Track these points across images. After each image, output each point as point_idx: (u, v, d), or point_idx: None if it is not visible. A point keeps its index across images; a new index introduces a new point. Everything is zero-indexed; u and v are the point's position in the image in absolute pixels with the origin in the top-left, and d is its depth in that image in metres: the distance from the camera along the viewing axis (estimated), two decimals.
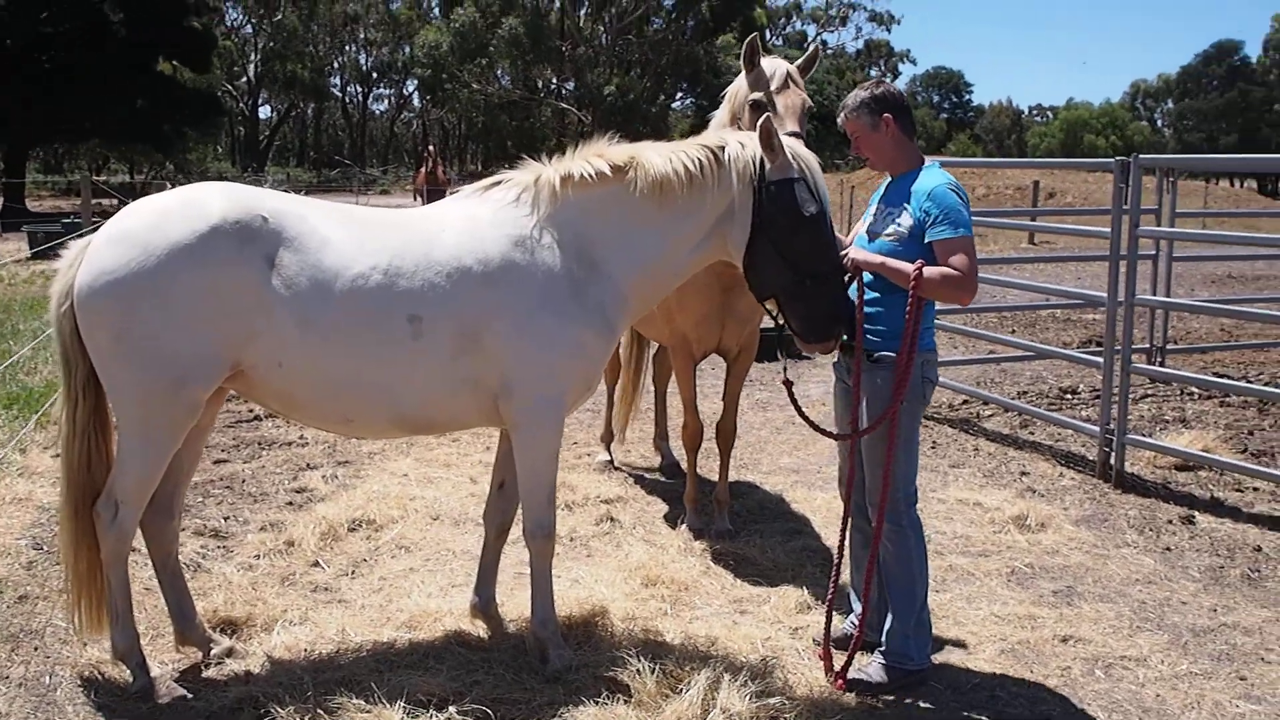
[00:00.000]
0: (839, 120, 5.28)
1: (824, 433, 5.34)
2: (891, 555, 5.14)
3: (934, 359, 5.27)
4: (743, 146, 4.91)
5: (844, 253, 4.97)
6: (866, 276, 5.06)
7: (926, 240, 4.94)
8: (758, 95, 6.45)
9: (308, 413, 5.00)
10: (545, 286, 4.83)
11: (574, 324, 4.85)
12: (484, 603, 5.58)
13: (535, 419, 4.95)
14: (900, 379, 4.94)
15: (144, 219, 4.63)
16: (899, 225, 5.03)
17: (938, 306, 6.03)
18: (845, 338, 5.05)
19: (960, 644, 5.56)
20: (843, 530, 5.24)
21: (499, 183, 5.11)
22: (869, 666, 5.14)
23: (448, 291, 4.74)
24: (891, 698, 5.00)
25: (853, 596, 5.53)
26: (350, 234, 4.79)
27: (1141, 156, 8.40)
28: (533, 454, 5.03)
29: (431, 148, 39.57)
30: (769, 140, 4.80)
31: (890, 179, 5.29)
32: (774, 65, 6.59)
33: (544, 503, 5.10)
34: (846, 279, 4.98)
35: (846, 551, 5.31)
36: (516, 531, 6.23)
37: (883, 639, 5.18)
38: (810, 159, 4.93)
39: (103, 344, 4.59)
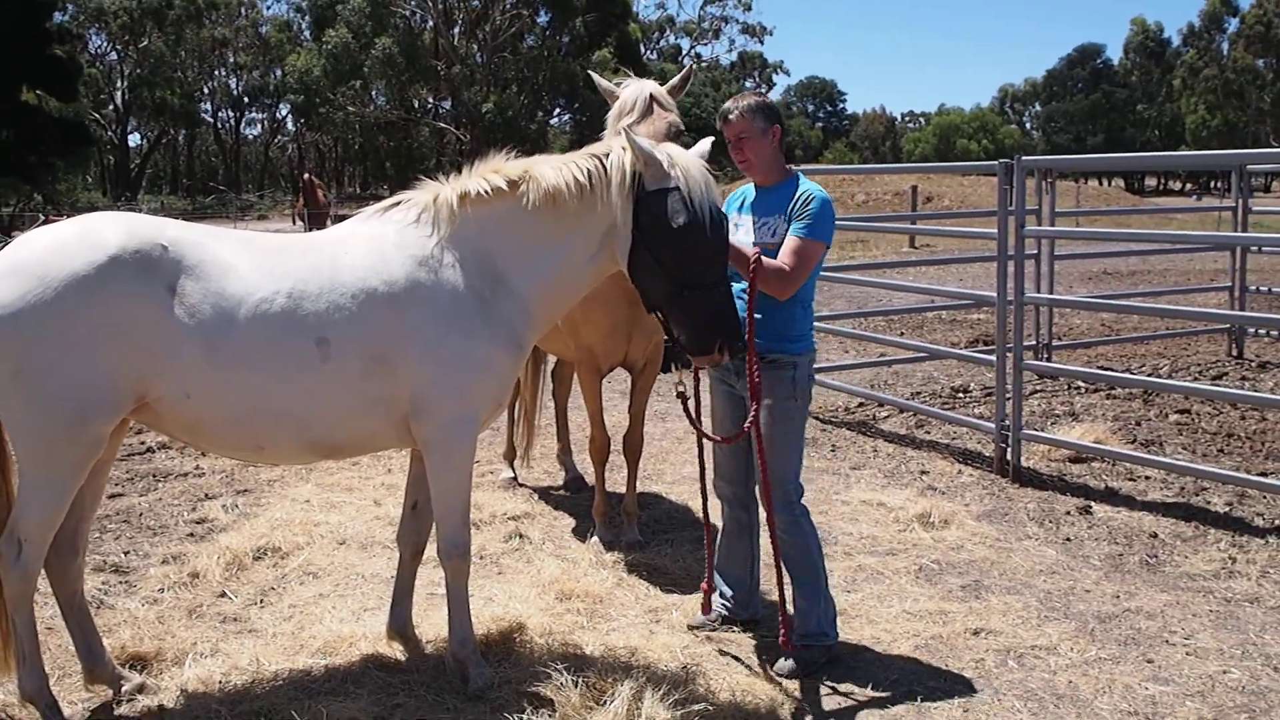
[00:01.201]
0: (731, 117, 5.38)
1: (716, 440, 5.48)
2: (791, 545, 5.38)
3: (813, 356, 5.56)
4: (625, 152, 4.90)
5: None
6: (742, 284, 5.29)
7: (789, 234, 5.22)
8: (625, 123, 6.40)
9: (218, 442, 4.91)
10: (452, 305, 4.80)
11: (482, 342, 4.82)
12: (400, 625, 5.51)
13: (448, 439, 4.91)
14: (753, 384, 5.14)
15: (40, 250, 4.48)
16: (779, 234, 5.30)
17: (829, 312, 6.18)
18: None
19: (875, 642, 5.63)
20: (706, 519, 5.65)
21: (399, 203, 5.07)
22: (792, 654, 5.32)
23: (354, 313, 4.69)
24: (805, 684, 5.10)
25: (722, 581, 5.85)
26: (253, 259, 4.70)
27: (1024, 159, 8.63)
28: (446, 474, 4.98)
29: (308, 175, 39.00)
30: (636, 152, 4.82)
31: (757, 190, 5.52)
32: (636, 93, 6.56)
33: (459, 522, 5.05)
34: None
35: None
36: (429, 552, 6.18)
37: (796, 624, 5.41)
38: (690, 167, 4.85)
39: (0, 380, 4.43)
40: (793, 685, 5.15)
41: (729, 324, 4.83)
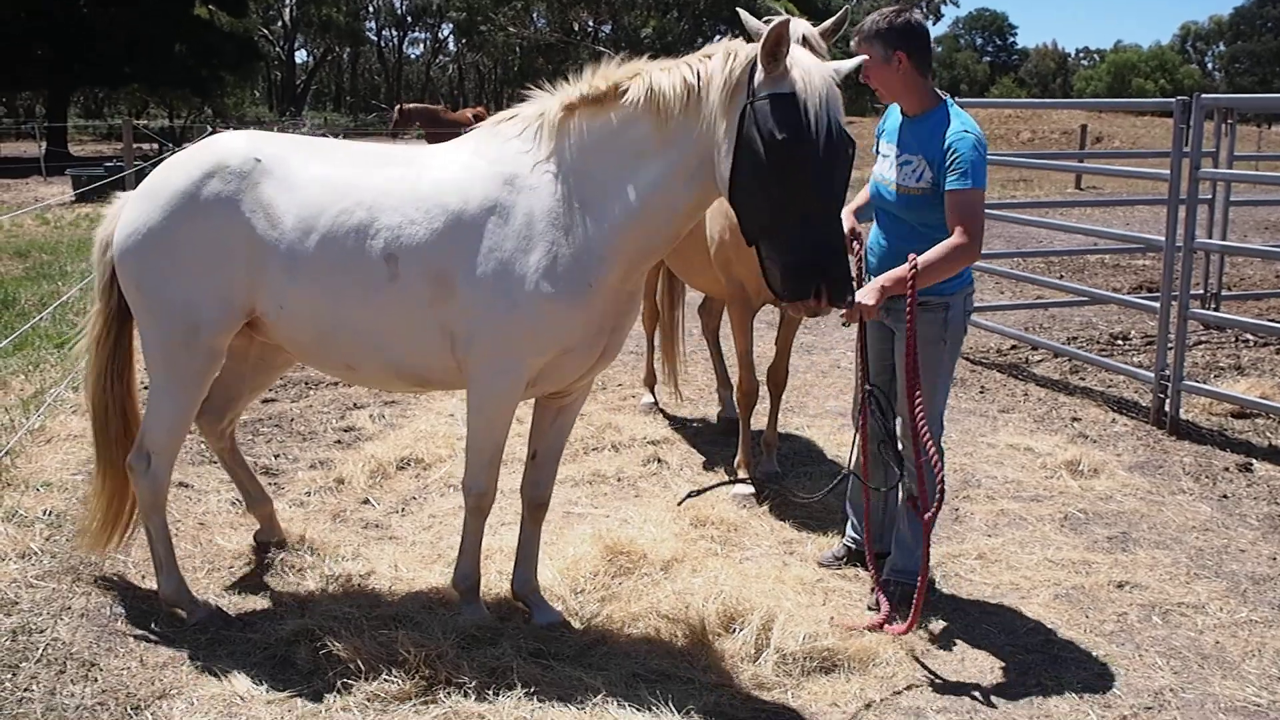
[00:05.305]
0: (852, 44, 5.06)
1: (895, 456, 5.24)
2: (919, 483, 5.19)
3: (972, 291, 5.32)
4: (731, 56, 4.23)
5: (854, 299, 4.36)
6: (876, 232, 5.21)
7: (945, 189, 4.88)
8: None
9: (314, 358, 4.99)
10: (524, 233, 4.40)
11: (545, 280, 4.37)
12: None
13: (490, 377, 4.57)
14: (910, 336, 4.85)
15: (160, 172, 4.87)
16: (924, 179, 4.97)
17: (985, 250, 5.94)
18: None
19: (1014, 589, 5.51)
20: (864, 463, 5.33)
21: (513, 116, 4.69)
22: (885, 588, 5.23)
23: (423, 230, 4.46)
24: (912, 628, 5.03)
25: (853, 514, 5.74)
26: (343, 171, 4.66)
27: (1203, 97, 8.21)
28: (481, 413, 4.68)
29: (400, 106, 39.02)
30: (775, 47, 4.05)
31: (902, 118, 5.16)
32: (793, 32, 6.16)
33: (485, 465, 4.77)
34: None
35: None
36: (564, 471, 6.25)
37: (894, 557, 5.31)
38: (814, 73, 4.10)
39: (130, 294, 4.80)
40: (925, 625, 5.06)
41: (830, 264, 4.08)
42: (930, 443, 4.81)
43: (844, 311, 4.48)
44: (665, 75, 4.31)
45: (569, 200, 4.42)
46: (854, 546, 5.68)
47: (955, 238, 4.79)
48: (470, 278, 4.42)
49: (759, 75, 4.12)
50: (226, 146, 4.76)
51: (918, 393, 4.85)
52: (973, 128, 4.93)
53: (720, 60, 4.24)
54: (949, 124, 4.93)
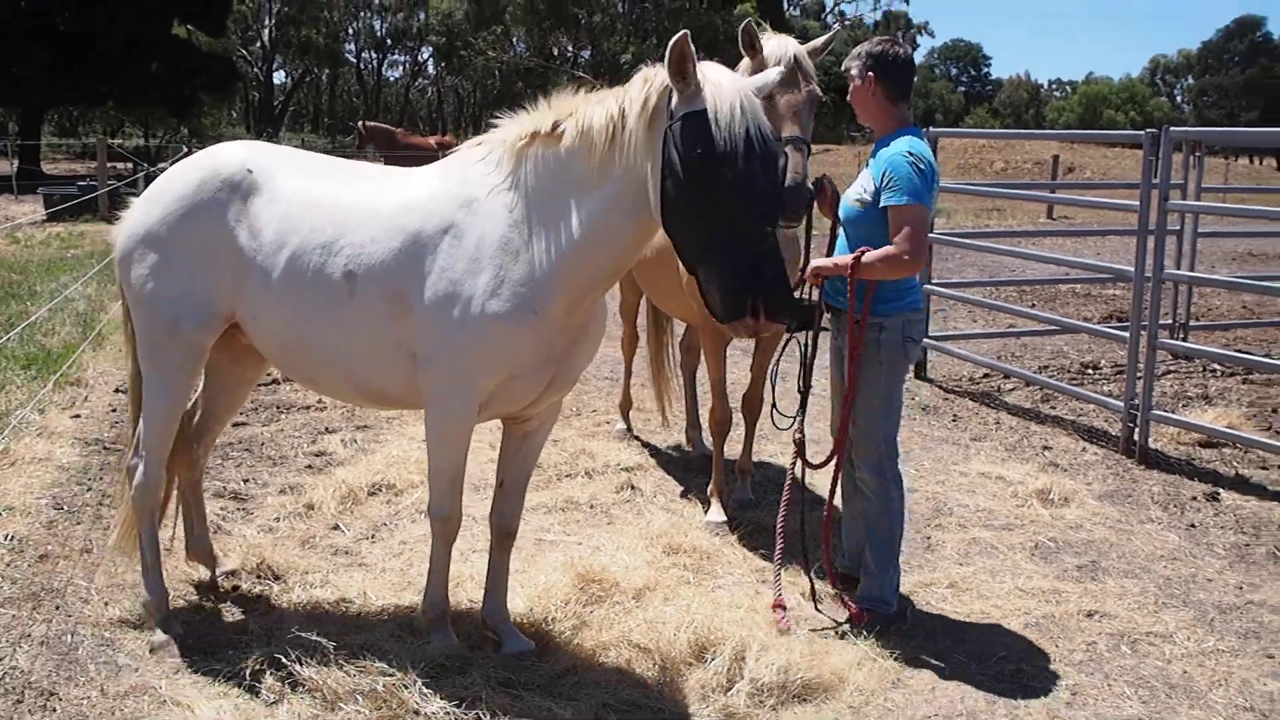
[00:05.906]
0: (842, 66, 5.36)
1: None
2: (875, 508, 5.37)
3: (916, 319, 5.42)
4: (647, 83, 4.21)
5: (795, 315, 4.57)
6: (841, 241, 5.36)
7: (880, 205, 5.06)
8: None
9: (283, 368, 5.17)
10: (475, 255, 4.39)
11: (494, 301, 4.34)
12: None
13: (443, 398, 4.56)
14: (853, 344, 5.19)
15: (162, 178, 5.03)
16: (864, 190, 5.19)
17: (958, 279, 6.05)
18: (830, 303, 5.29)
19: (984, 617, 5.52)
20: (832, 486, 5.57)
21: (481, 143, 4.71)
22: (851, 616, 5.32)
23: (381, 249, 4.49)
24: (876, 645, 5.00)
25: (843, 539, 5.87)
26: (322, 186, 4.76)
27: (1172, 130, 8.30)
28: (437, 435, 4.66)
29: (364, 123, 39.18)
30: (680, 64, 4.02)
31: (877, 141, 5.39)
32: (780, 51, 6.05)
33: (446, 488, 4.73)
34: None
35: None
36: (537, 498, 6.23)
37: (861, 584, 5.45)
38: (724, 86, 4.06)
39: (128, 292, 4.95)
40: (896, 653, 5.05)
41: (764, 280, 3.96)
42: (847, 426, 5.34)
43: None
44: (597, 108, 4.30)
45: (520, 226, 4.41)
46: (842, 569, 5.73)
47: (893, 247, 4.99)
48: (423, 297, 4.44)
49: (675, 98, 4.10)
50: (223, 156, 4.90)
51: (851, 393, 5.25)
52: (917, 149, 5.08)
53: (638, 88, 4.22)
54: (895, 142, 5.15)
